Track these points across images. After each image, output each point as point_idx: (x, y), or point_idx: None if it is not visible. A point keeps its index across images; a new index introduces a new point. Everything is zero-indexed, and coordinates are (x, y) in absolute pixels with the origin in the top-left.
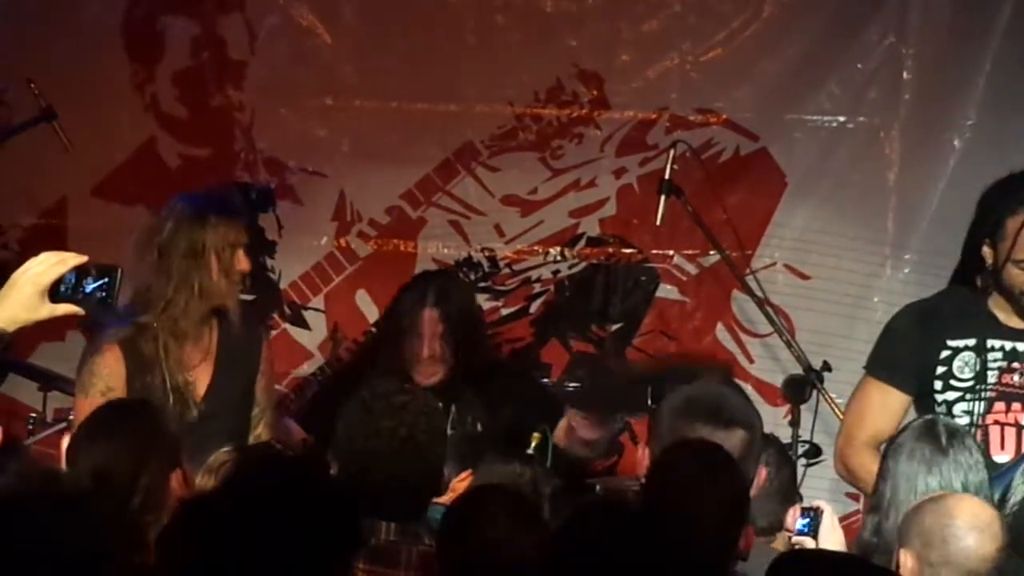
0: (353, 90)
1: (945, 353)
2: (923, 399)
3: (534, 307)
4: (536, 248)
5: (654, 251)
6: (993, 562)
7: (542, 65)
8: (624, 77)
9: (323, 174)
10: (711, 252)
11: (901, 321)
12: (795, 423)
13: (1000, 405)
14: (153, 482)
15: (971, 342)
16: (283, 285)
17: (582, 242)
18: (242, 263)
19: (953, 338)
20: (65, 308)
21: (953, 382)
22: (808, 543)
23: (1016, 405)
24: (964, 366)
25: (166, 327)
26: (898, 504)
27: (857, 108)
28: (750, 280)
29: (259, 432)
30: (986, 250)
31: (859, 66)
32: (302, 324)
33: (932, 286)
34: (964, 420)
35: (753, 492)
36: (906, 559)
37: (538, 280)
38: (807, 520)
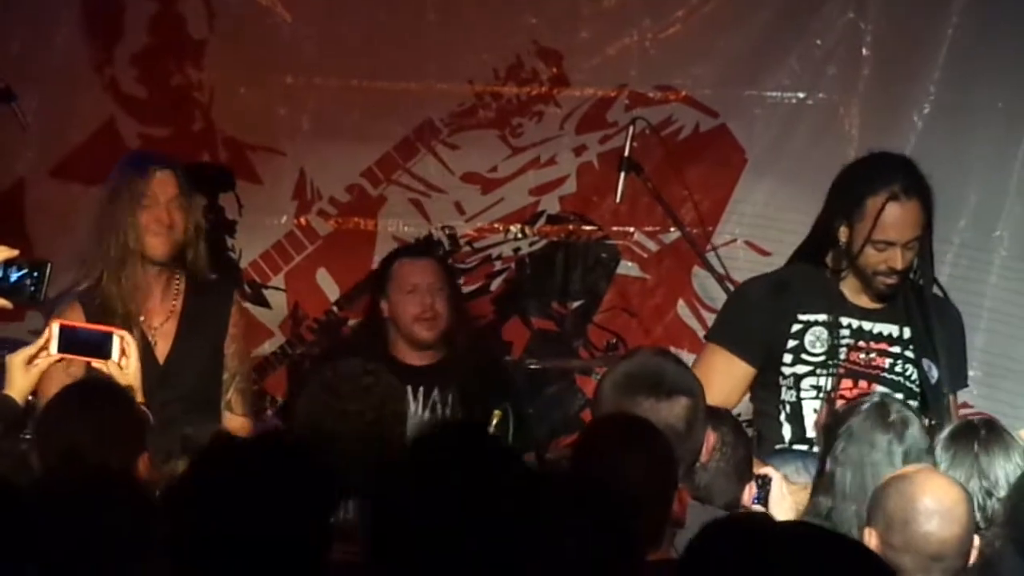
0: (313, 68)
1: (796, 327)
2: (767, 372)
3: (495, 285)
4: (496, 226)
5: (614, 228)
6: (958, 545)
7: (502, 43)
8: (583, 54)
9: (283, 153)
10: (671, 229)
11: (752, 292)
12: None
13: (847, 382)
14: (120, 464)
15: (823, 317)
16: (243, 264)
17: (542, 220)
18: (161, 215)
19: (805, 312)
20: None
21: (804, 356)
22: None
23: (863, 383)
24: (816, 340)
25: (113, 281)
26: (857, 493)
27: (817, 84)
28: (711, 256)
29: (229, 398)
30: (843, 229)
31: (818, 42)
32: (263, 303)
33: None
34: (812, 394)
35: (704, 457)
36: (870, 538)
37: (499, 258)
38: (757, 489)
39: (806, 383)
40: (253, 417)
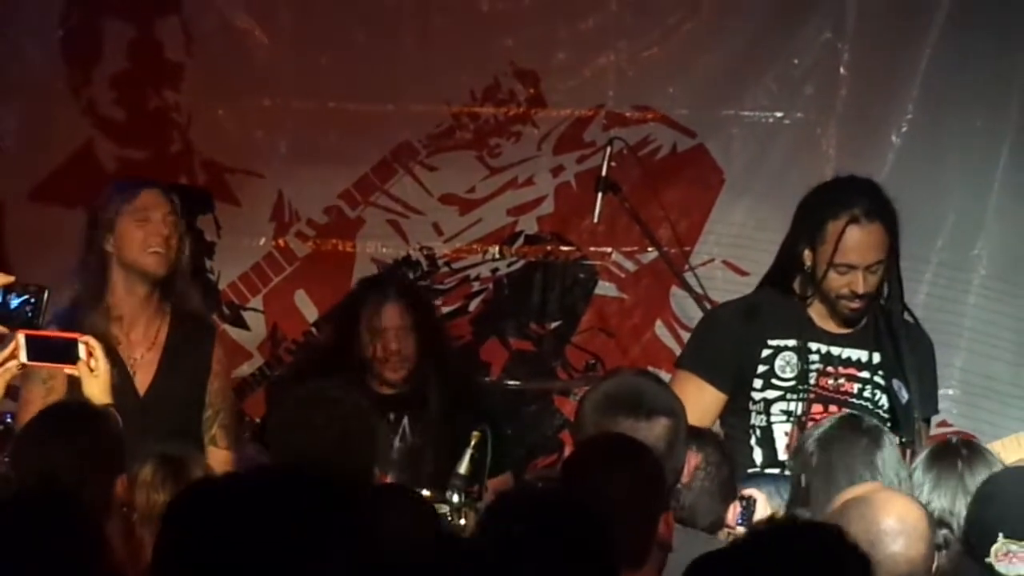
0: (290, 91)
1: (766, 352)
2: (737, 397)
3: (473, 305)
4: (474, 246)
5: (592, 248)
6: (924, 562)
7: (479, 64)
8: (561, 75)
9: (261, 175)
10: (649, 249)
11: (721, 318)
12: None
13: (818, 407)
14: (98, 487)
15: (792, 342)
16: (222, 286)
17: (520, 240)
18: (158, 229)
19: (774, 337)
20: None
21: (775, 381)
22: (741, 533)
23: (832, 408)
24: (786, 365)
25: (101, 310)
26: (834, 497)
27: (794, 104)
28: (689, 276)
29: (213, 434)
30: (806, 253)
31: (796, 62)
32: (241, 324)
33: None
34: (782, 418)
35: (685, 479)
36: None
37: (477, 279)
38: (741, 510)
39: (776, 408)
40: (238, 449)
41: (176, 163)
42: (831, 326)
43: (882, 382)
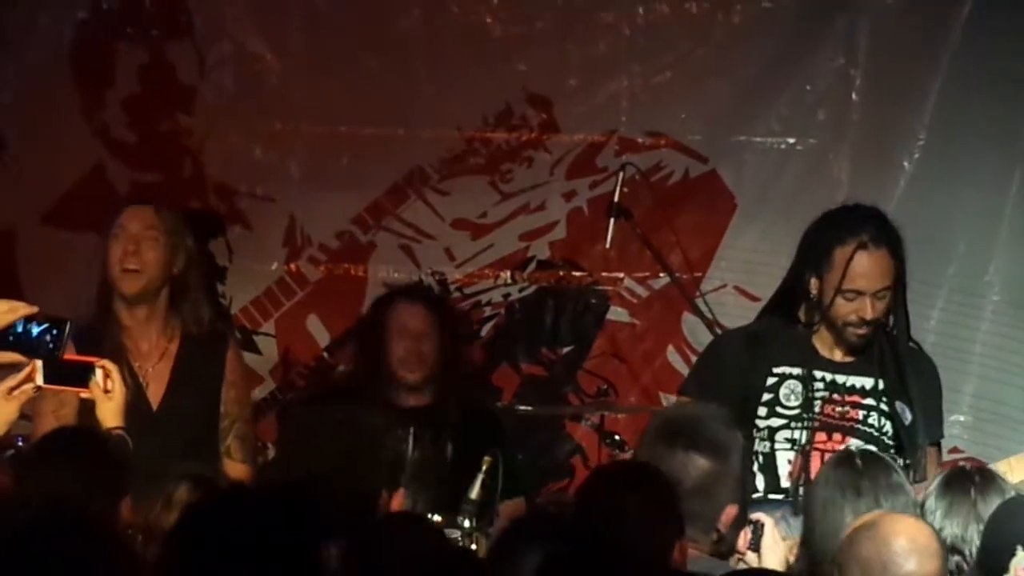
0: (302, 115)
1: (771, 380)
2: (740, 424)
3: (485, 331)
4: (486, 272)
5: (604, 274)
6: None
7: (491, 89)
8: (573, 100)
9: (272, 199)
10: (661, 275)
11: (725, 346)
12: None
13: (822, 435)
14: (103, 510)
15: (797, 371)
16: (234, 310)
17: (532, 265)
18: (127, 245)
19: (778, 365)
20: (10, 356)
21: (780, 409)
22: (751, 558)
23: (837, 435)
24: (791, 394)
25: (102, 319)
26: (823, 531)
27: (806, 130)
28: (700, 302)
29: (229, 444)
30: (813, 281)
31: (808, 87)
32: (253, 349)
33: None
34: (786, 446)
35: (722, 528)
36: None
37: (488, 304)
38: (751, 536)
39: (780, 436)
40: (253, 464)
41: (188, 187)
42: (836, 354)
43: (886, 408)
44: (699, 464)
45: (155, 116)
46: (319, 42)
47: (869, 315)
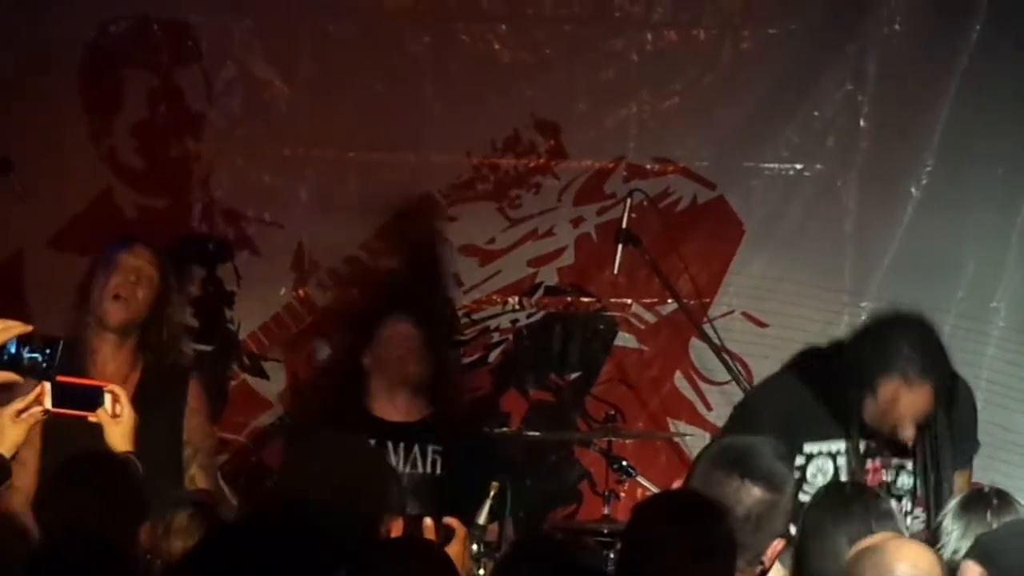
0: (310, 140)
1: (800, 460)
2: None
3: (493, 356)
4: (494, 297)
5: (612, 300)
6: None
7: (499, 115)
8: (581, 126)
9: (281, 224)
10: (669, 300)
11: (760, 418)
12: None
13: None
14: (123, 536)
15: (828, 447)
16: (242, 336)
17: (540, 291)
18: (126, 278)
19: (810, 442)
20: (3, 375)
21: (805, 487)
22: None
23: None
24: (818, 472)
25: (75, 342)
26: (813, 558)
27: (814, 156)
28: (708, 328)
29: (192, 473)
30: (853, 392)
31: (816, 114)
32: (261, 374)
33: None
34: None
35: (767, 562)
36: None
37: (496, 329)
38: None
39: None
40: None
41: (196, 212)
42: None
43: (910, 468)
44: (754, 493)
45: (163, 141)
46: (327, 68)
47: (911, 436)
